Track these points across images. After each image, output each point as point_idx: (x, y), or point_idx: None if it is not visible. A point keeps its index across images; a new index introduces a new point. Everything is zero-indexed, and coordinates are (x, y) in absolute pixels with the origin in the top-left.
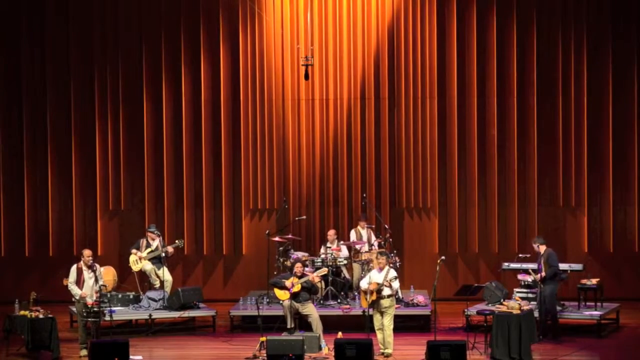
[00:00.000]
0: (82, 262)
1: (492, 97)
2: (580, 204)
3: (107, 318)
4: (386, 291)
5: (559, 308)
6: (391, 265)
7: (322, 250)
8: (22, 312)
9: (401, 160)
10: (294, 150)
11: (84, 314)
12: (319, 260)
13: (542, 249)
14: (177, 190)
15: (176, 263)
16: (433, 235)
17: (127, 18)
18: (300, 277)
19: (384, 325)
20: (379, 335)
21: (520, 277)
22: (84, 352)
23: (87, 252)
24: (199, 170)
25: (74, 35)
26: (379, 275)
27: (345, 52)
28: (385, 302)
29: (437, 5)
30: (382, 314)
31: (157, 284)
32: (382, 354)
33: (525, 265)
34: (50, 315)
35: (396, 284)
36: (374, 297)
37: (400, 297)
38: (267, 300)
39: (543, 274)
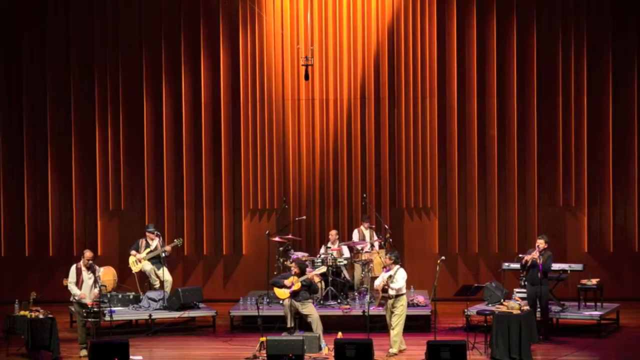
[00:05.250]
0: (81, 262)
1: (492, 97)
2: (580, 204)
3: (107, 318)
4: (392, 291)
5: (558, 308)
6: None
7: (323, 250)
8: (22, 312)
9: (401, 160)
10: (294, 150)
11: (84, 314)
12: (319, 260)
13: (542, 245)
14: (177, 190)
15: (176, 263)
16: (433, 235)
17: (127, 18)
18: (299, 276)
19: (391, 324)
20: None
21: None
22: (84, 352)
23: (87, 254)
24: (199, 170)
25: (74, 35)
26: (388, 275)
27: (345, 52)
28: (390, 302)
29: (437, 5)
30: (391, 313)
31: (157, 284)
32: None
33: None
34: (50, 315)
35: (395, 284)
36: (380, 296)
37: None
38: (267, 300)
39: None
